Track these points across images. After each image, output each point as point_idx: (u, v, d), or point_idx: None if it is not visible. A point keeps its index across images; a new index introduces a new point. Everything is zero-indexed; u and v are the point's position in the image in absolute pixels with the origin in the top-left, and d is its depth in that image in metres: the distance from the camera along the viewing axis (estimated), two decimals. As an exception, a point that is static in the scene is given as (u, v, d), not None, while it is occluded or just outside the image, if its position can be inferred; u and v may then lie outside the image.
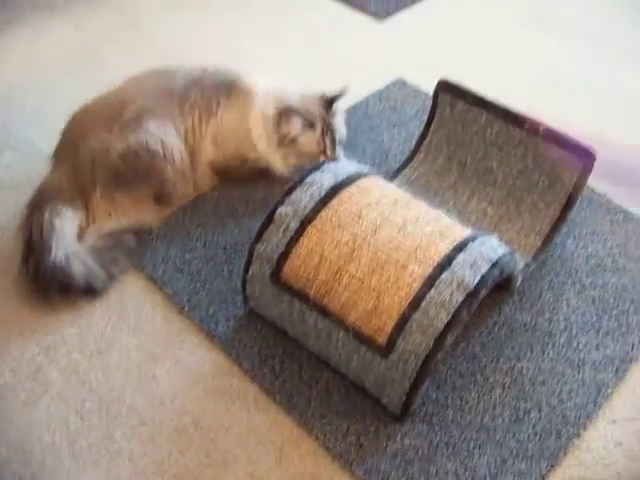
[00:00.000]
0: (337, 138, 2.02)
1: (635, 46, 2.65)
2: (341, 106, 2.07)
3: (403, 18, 2.82)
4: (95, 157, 1.84)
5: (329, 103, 2.00)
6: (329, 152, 2.00)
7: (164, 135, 1.89)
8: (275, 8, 2.88)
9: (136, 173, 1.87)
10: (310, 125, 1.96)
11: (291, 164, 2.02)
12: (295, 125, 1.95)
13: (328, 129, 1.99)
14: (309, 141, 1.98)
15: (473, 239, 1.54)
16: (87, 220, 1.87)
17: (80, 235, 1.84)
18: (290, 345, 1.66)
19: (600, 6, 2.88)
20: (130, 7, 2.90)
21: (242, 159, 2.01)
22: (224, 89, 1.99)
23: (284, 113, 1.95)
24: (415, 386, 1.44)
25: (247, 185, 2.05)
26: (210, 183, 2.04)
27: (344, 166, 1.69)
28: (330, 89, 2.03)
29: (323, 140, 1.99)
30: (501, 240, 1.63)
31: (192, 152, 1.96)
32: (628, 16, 2.83)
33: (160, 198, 1.94)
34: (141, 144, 1.86)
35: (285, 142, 1.98)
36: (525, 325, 1.71)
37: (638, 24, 2.77)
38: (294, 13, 2.85)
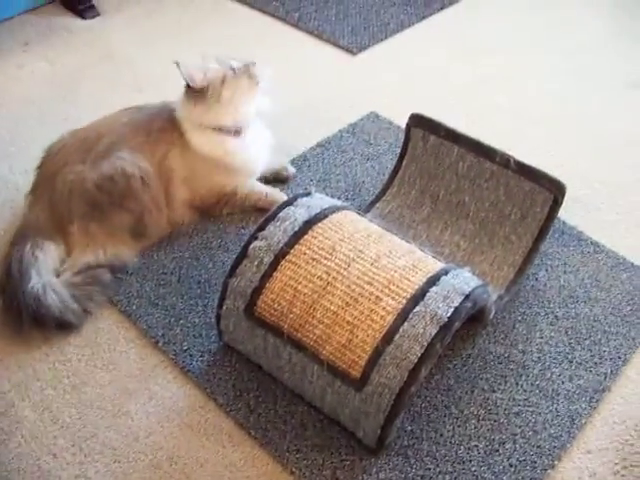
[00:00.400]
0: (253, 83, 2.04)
1: (609, 79, 2.69)
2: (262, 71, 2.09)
3: (376, 52, 2.85)
4: (71, 189, 1.86)
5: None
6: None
7: (139, 161, 1.91)
8: (248, 42, 2.89)
9: (112, 200, 1.88)
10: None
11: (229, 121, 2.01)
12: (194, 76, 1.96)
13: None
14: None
15: (446, 272, 1.56)
16: (67, 253, 1.88)
17: (59, 268, 1.85)
18: (265, 379, 1.66)
19: (569, 39, 2.93)
20: (104, 40, 2.91)
21: (219, 194, 2.03)
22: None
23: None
24: (390, 419, 1.44)
25: (221, 219, 2.05)
26: (187, 218, 2.05)
27: (318, 200, 1.70)
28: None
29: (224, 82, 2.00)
30: (474, 272, 1.65)
31: (166, 184, 1.96)
32: (605, 47, 2.88)
33: (137, 229, 1.94)
34: (116, 169, 1.87)
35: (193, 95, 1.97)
36: (499, 357, 1.72)
37: (616, 55, 2.82)
38: (267, 46, 2.87)
